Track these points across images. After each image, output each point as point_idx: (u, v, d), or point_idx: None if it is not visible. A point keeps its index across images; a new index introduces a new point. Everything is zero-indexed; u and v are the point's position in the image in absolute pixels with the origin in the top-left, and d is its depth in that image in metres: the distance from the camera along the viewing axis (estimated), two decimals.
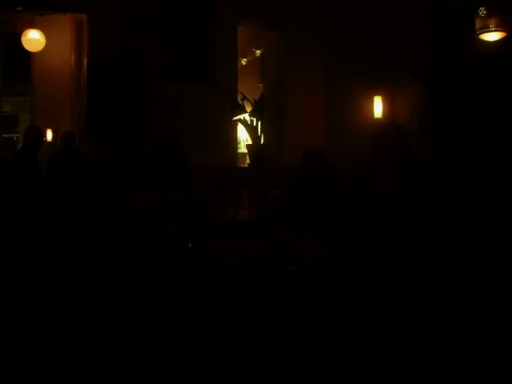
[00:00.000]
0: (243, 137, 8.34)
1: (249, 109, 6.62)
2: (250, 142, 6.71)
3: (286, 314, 3.19)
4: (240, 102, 6.40)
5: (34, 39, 6.87)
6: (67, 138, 6.11)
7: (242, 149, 8.34)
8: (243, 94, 6.51)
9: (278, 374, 2.85)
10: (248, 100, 6.61)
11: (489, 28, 5.00)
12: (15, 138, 11.64)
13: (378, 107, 6.36)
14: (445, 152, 5.51)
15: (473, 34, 5.13)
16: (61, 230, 4.55)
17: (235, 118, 6.28)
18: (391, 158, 2.98)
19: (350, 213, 3.15)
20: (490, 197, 3.97)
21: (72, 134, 6.36)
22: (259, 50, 8.66)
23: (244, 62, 9.17)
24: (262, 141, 6.58)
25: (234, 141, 6.46)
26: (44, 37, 6.90)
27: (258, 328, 3.23)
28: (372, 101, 6.37)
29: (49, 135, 7.70)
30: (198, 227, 3.87)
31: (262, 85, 7.82)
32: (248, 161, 6.82)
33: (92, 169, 5.24)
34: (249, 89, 7.52)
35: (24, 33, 6.84)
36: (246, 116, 6.53)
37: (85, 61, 6.35)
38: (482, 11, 5.02)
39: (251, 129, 6.55)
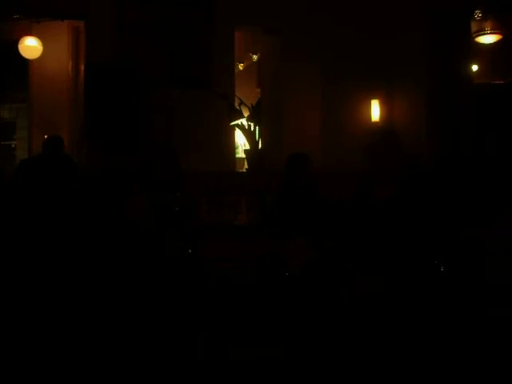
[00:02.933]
0: (241, 142, 8.34)
1: (246, 114, 6.63)
2: (247, 146, 6.72)
3: (284, 319, 3.19)
4: (237, 107, 6.40)
5: (31, 46, 6.87)
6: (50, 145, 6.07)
7: (240, 154, 8.34)
8: (240, 99, 6.52)
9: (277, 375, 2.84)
10: (245, 105, 6.61)
11: (484, 30, 5.03)
12: (13, 145, 11.60)
13: (375, 111, 6.36)
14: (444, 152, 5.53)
15: (469, 37, 5.16)
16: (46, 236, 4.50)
17: (233, 123, 6.29)
18: (388, 166, 3.01)
19: (349, 218, 3.16)
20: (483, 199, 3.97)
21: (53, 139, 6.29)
22: (256, 54, 8.66)
23: (241, 66, 9.17)
24: (259, 145, 6.58)
25: (231, 146, 6.46)
26: (41, 44, 6.90)
27: (257, 335, 3.23)
28: (369, 104, 6.37)
29: None
30: (196, 233, 3.87)
31: (259, 89, 7.83)
32: (246, 166, 6.83)
33: (72, 171, 5.18)
34: (246, 94, 7.51)
35: (21, 40, 6.84)
36: (244, 121, 6.54)
37: (82, 68, 6.35)
38: (478, 14, 5.04)
39: (249, 134, 6.56)
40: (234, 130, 6.59)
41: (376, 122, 6.33)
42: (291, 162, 4.12)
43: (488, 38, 5.07)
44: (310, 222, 3.65)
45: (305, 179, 3.99)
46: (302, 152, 4.26)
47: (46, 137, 6.37)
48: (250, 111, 6.66)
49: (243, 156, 7.33)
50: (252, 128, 6.56)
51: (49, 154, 5.73)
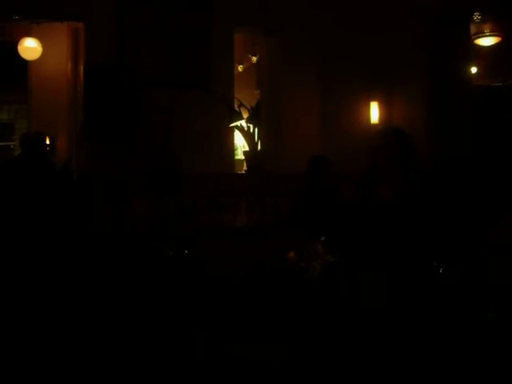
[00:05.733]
0: (240, 143, 8.34)
1: (245, 115, 6.64)
2: (246, 148, 6.72)
3: (289, 321, 3.18)
4: (237, 109, 6.41)
5: (30, 47, 6.87)
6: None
7: (239, 155, 8.34)
8: (240, 101, 6.52)
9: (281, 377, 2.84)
10: (244, 107, 6.62)
11: (484, 33, 5.03)
12: (12, 146, 11.61)
13: (374, 113, 6.37)
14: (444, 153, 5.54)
15: (469, 39, 5.16)
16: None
17: (232, 125, 6.30)
18: (392, 164, 3.01)
19: (352, 217, 3.16)
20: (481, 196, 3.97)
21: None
22: (255, 56, 8.67)
23: (240, 68, 9.17)
24: (258, 147, 6.59)
25: (230, 147, 6.46)
26: (40, 45, 6.90)
27: (260, 336, 3.22)
28: (368, 106, 6.38)
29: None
30: (195, 234, 3.86)
31: (258, 91, 7.83)
32: (245, 167, 6.83)
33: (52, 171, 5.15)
34: (245, 95, 7.52)
35: (20, 41, 6.84)
36: (243, 123, 6.54)
37: (81, 69, 6.35)
38: (477, 16, 5.05)
39: (248, 135, 6.56)
40: (233, 131, 6.59)
41: (375, 124, 6.34)
42: (314, 164, 4.11)
43: (487, 40, 5.07)
44: (331, 224, 3.64)
45: (327, 182, 4.00)
46: (322, 155, 4.27)
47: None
48: (249, 113, 6.66)
49: (242, 158, 7.34)
50: (251, 130, 6.57)
51: (28, 154, 5.64)
